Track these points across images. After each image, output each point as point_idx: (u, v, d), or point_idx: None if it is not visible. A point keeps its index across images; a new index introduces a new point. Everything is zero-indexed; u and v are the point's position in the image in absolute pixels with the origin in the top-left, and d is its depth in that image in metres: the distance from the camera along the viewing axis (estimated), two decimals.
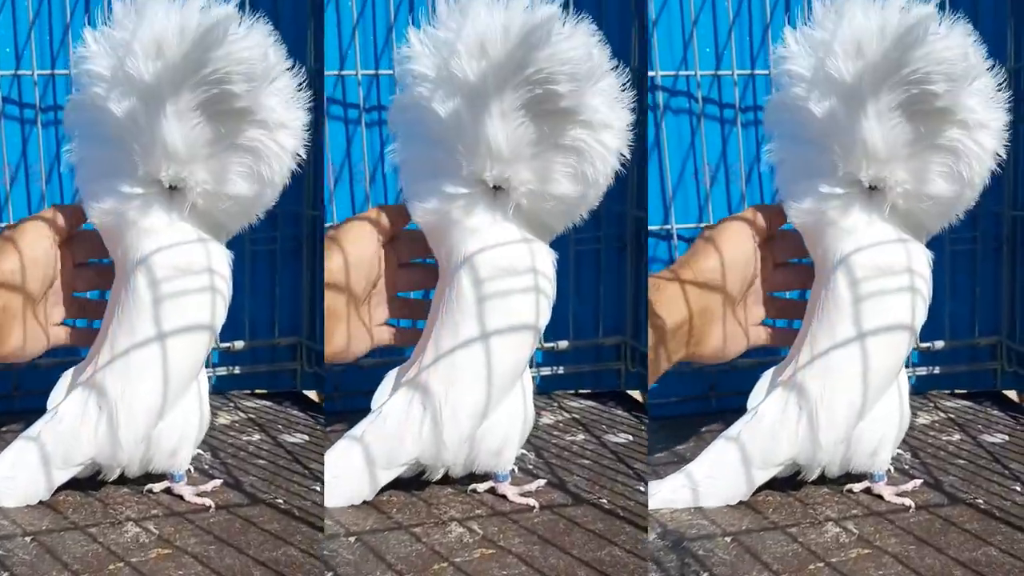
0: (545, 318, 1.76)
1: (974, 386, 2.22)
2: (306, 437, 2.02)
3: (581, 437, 2.03)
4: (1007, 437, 2.02)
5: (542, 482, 1.83)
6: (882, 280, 1.71)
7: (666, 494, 1.74)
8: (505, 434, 1.77)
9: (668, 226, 2.11)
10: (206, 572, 1.55)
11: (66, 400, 1.73)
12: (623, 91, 1.71)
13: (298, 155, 1.70)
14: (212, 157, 1.68)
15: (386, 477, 1.75)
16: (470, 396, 1.74)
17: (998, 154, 1.70)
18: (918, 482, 1.81)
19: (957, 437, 2.01)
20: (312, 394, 2.23)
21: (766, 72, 2.08)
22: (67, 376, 1.76)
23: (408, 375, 1.76)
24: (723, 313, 1.75)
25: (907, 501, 1.75)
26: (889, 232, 1.72)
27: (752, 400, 1.77)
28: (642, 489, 1.81)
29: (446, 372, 1.73)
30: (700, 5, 2.09)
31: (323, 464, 1.78)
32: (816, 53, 1.69)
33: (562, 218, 1.75)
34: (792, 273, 1.81)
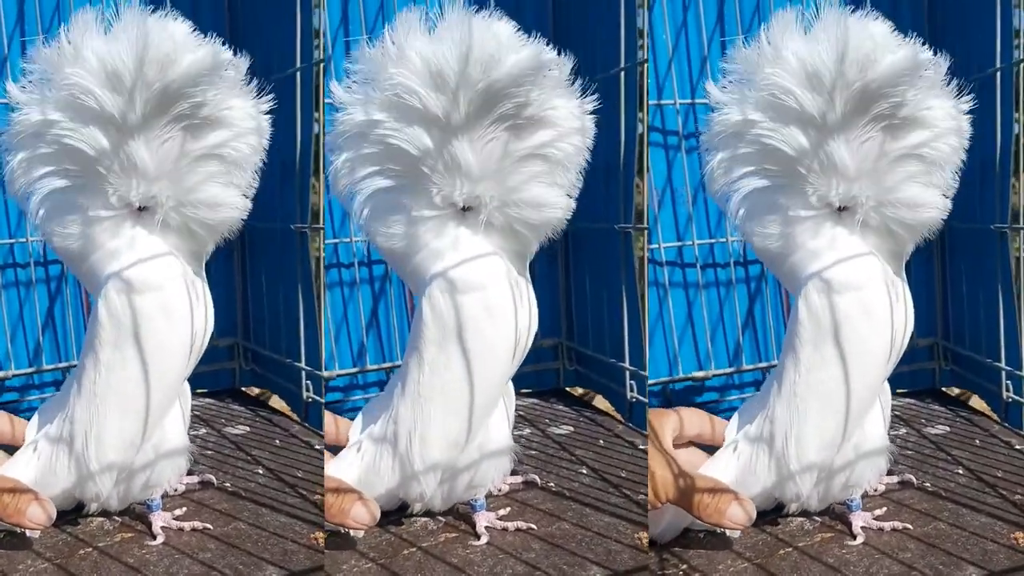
0: (519, 332, 1.71)
1: (915, 385, 2.25)
2: (247, 429, 2.10)
3: (528, 431, 2.06)
4: (948, 428, 2.12)
5: (519, 479, 1.87)
6: (842, 301, 1.67)
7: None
8: (476, 462, 1.74)
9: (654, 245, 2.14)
10: (167, 548, 1.68)
11: (44, 431, 1.70)
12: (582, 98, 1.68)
13: (261, 161, 1.68)
14: (180, 170, 1.65)
15: None
16: (439, 425, 1.70)
17: (961, 161, 1.67)
18: (894, 479, 1.86)
19: (904, 431, 2.07)
20: (252, 389, 2.27)
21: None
22: (38, 413, 1.74)
23: (382, 405, 1.74)
24: None
25: (886, 525, 1.74)
26: (853, 249, 1.68)
27: (729, 432, 1.74)
28: (584, 472, 1.91)
29: (413, 402, 1.70)
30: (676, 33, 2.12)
31: (263, 451, 1.98)
32: (742, 95, 1.66)
33: (535, 227, 1.70)
34: None
